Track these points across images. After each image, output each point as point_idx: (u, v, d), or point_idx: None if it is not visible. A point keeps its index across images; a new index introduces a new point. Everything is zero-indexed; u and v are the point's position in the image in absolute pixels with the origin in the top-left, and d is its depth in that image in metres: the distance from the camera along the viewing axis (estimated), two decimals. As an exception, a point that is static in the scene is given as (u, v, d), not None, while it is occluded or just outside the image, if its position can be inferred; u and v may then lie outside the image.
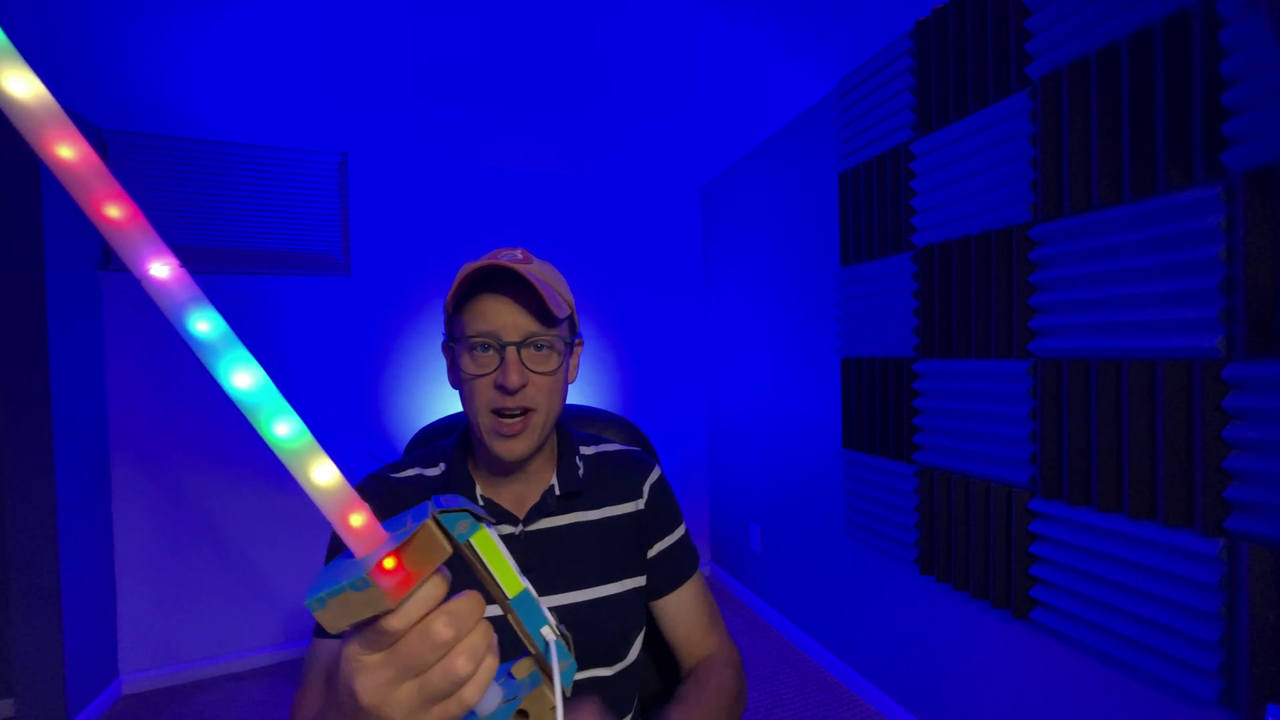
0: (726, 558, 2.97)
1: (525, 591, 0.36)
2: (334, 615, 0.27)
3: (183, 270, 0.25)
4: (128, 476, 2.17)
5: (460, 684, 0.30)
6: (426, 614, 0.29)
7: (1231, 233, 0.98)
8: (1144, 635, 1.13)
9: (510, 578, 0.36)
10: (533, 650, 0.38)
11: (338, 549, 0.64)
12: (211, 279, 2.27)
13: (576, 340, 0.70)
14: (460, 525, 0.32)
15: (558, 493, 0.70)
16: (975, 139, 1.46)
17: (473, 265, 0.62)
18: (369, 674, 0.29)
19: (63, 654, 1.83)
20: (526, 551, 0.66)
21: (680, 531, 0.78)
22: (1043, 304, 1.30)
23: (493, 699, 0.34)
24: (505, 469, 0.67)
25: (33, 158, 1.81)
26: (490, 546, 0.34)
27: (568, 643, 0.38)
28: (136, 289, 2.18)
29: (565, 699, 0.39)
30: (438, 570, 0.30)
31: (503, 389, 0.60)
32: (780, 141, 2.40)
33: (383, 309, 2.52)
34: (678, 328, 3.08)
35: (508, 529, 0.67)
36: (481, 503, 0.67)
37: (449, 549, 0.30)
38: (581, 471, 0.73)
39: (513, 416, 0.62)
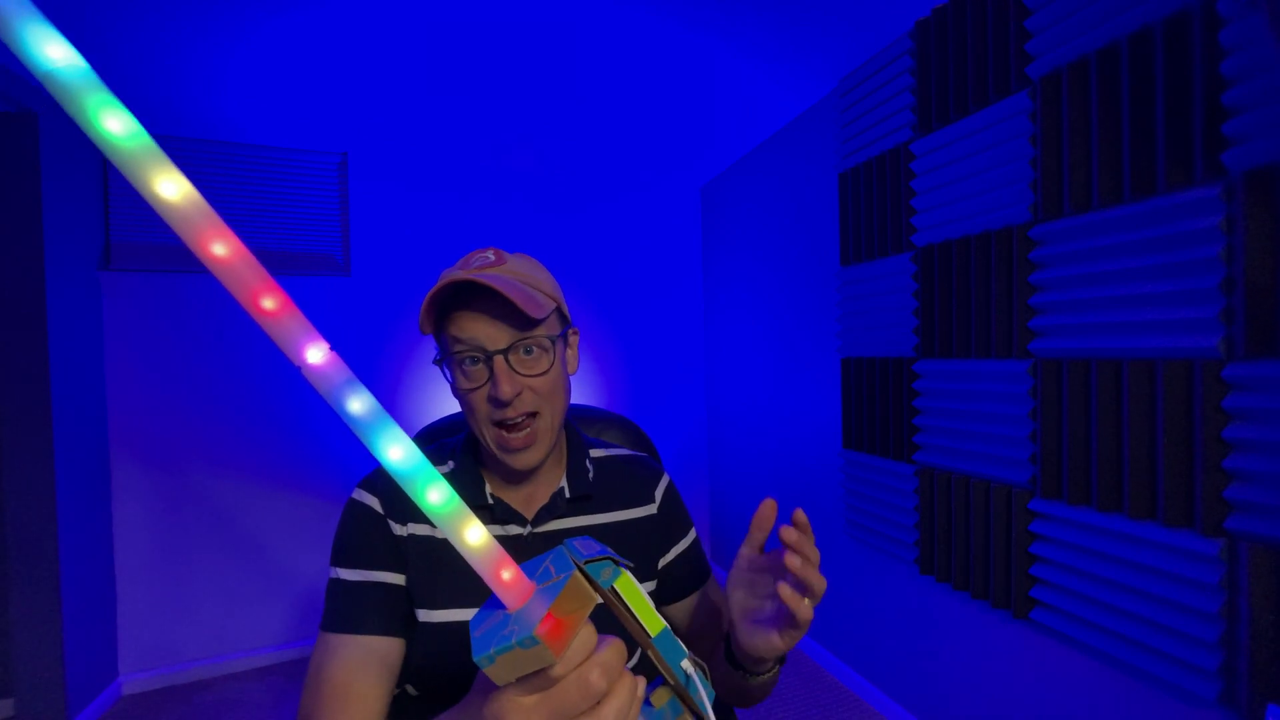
0: (726, 558, 2.97)
1: (666, 629, 0.38)
2: (502, 670, 0.29)
3: (334, 354, 0.27)
4: (128, 476, 2.17)
5: None
6: (582, 662, 0.30)
7: (1231, 233, 0.98)
8: (1144, 635, 1.13)
9: (652, 617, 0.38)
10: (671, 681, 0.39)
11: (347, 555, 0.63)
12: (213, 280, 2.27)
13: (571, 330, 0.68)
14: (604, 573, 0.34)
15: (568, 495, 0.69)
16: (975, 139, 1.46)
17: (441, 281, 0.59)
18: (522, 716, 0.30)
19: (63, 654, 1.83)
20: (535, 553, 0.66)
21: (690, 537, 0.77)
22: (1043, 304, 1.30)
23: None
24: (516, 474, 0.66)
25: (33, 158, 1.80)
26: (632, 590, 0.36)
27: (705, 672, 0.40)
28: (136, 289, 2.19)
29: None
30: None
31: (496, 401, 0.59)
32: (780, 142, 2.40)
33: (383, 309, 2.52)
34: (678, 328, 3.08)
35: (516, 530, 0.66)
36: (490, 502, 0.66)
37: (596, 597, 0.31)
38: (591, 475, 0.72)
39: (516, 425, 0.60)
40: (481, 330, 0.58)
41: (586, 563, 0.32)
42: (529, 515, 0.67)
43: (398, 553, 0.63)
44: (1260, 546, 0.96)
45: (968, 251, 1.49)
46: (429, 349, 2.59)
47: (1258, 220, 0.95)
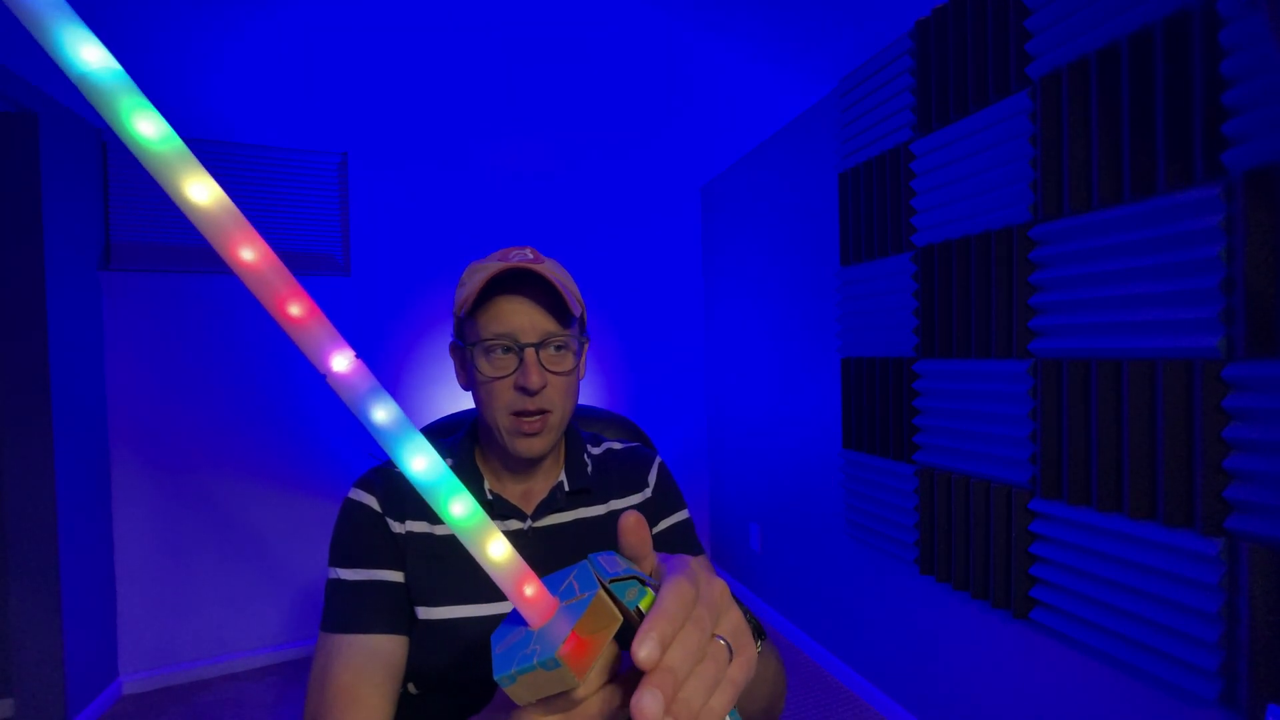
0: (726, 558, 2.97)
1: None
2: (523, 690, 0.28)
3: (359, 361, 0.26)
4: (128, 476, 2.17)
5: None
6: (606, 682, 0.30)
7: (1231, 233, 0.98)
8: (1144, 635, 1.13)
9: None
10: None
11: (346, 555, 0.63)
12: (213, 280, 2.27)
13: (585, 338, 0.70)
14: (630, 592, 0.32)
15: (567, 489, 0.70)
16: (975, 139, 1.46)
17: (485, 267, 0.61)
18: None
19: (63, 654, 1.83)
20: (535, 547, 0.67)
21: (682, 515, 0.77)
22: (1043, 304, 1.30)
23: None
24: (518, 465, 0.68)
25: (33, 158, 1.81)
26: None
27: None
28: (136, 289, 2.19)
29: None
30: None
31: (524, 390, 0.61)
32: (780, 141, 2.40)
33: (383, 309, 2.52)
34: (678, 328, 3.08)
35: (516, 525, 0.67)
36: (489, 498, 0.67)
37: (620, 617, 0.30)
38: (590, 469, 0.73)
39: (532, 417, 0.62)
40: (520, 320, 0.61)
41: (611, 581, 0.31)
42: (528, 510, 0.69)
43: (397, 550, 0.64)
44: (1260, 546, 0.96)
45: (968, 251, 1.49)
46: (429, 350, 2.59)
47: (1258, 220, 0.95)
